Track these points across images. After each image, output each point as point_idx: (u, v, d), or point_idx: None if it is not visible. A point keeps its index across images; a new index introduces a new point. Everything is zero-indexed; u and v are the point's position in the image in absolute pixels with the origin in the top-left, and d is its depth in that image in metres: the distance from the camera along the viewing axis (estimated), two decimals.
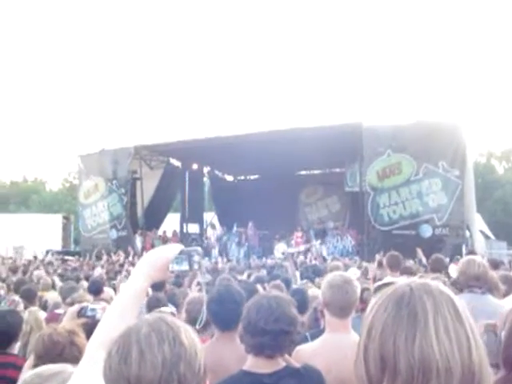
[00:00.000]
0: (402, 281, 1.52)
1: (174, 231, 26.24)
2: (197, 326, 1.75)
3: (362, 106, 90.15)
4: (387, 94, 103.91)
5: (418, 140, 18.64)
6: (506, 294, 5.31)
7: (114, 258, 18.48)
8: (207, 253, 23.61)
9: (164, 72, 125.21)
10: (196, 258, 2.23)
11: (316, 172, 30.75)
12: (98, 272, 12.74)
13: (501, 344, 2.81)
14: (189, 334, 1.58)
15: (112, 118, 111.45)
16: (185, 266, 2.22)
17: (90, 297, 5.99)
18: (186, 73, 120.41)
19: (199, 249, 2.31)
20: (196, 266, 2.24)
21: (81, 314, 3.56)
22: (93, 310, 3.49)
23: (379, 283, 5.74)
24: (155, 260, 2.14)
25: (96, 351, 1.79)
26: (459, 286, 5.01)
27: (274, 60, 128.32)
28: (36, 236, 26.51)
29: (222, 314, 3.87)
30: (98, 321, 2.09)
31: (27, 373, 2.58)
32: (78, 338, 3.14)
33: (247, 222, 25.89)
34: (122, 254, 18.43)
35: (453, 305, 1.39)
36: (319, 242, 22.51)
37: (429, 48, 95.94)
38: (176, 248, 2.21)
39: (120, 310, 1.99)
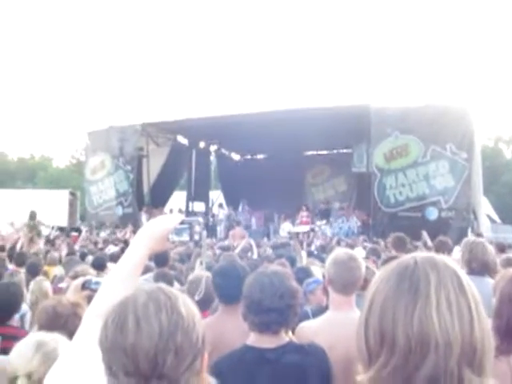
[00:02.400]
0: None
1: (180, 209, 26.23)
2: (196, 298, 1.74)
3: (371, 87, 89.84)
4: (396, 77, 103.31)
5: (426, 122, 18.54)
6: None
7: (119, 234, 18.47)
8: (213, 231, 23.64)
9: (173, 49, 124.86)
10: (197, 228, 2.20)
11: (323, 152, 30.60)
12: (110, 250, 12.61)
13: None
14: (187, 304, 1.56)
15: (119, 95, 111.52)
16: (185, 237, 2.19)
17: (93, 271, 5.99)
18: (194, 50, 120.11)
19: (200, 219, 2.28)
20: (197, 237, 2.20)
21: (85, 286, 3.55)
22: (97, 283, 3.47)
23: (386, 257, 5.74)
24: (155, 230, 2.09)
25: (93, 320, 1.78)
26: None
27: (285, 39, 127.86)
28: (43, 212, 26.52)
29: (226, 287, 3.88)
30: None
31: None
32: (81, 310, 3.14)
33: (254, 201, 25.93)
34: (127, 231, 18.43)
35: (457, 278, 1.37)
36: (324, 222, 22.49)
37: (439, 31, 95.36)
38: (177, 218, 2.17)
39: (118, 280, 1.96)
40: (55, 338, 2.52)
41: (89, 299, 3.78)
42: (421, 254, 1.46)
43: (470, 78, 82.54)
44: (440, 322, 1.29)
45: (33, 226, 16.35)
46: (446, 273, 1.37)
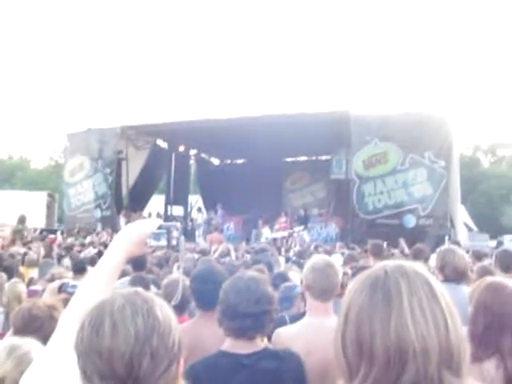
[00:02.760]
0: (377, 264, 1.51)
1: (158, 213, 26.17)
2: (172, 303, 1.73)
3: (351, 94, 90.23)
4: (376, 85, 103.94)
5: (405, 130, 18.62)
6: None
7: (95, 238, 18.35)
8: (191, 235, 23.60)
9: (153, 52, 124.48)
10: (175, 233, 2.20)
11: (302, 158, 30.76)
12: (90, 252, 12.53)
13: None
14: (164, 309, 1.56)
15: (99, 98, 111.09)
16: (163, 242, 2.18)
17: (69, 274, 5.96)
18: (175, 54, 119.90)
19: (178, 224, 2.28)
20: (174, 242, 2.20)
21: (61, 289, 3.54)
22: (73, 286, 3.46)
23: (357, 267, 5.77)
24: (133, 234, 2.10)
25: (69, 324, 1.77)
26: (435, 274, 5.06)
27: (264, 46, 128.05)
28: (20, 213, 26.33)
29: (204, 293, 3.88)
30: None
31: None
32: (57, 312, 3.12)
33: (232, 206, 25.93)
34: (104, 234, 18.33)
35: (428, 285, 1.39)
36: (302, 227, 22.52)
37: (419, 41, 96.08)
38: (155, 223, 2.18)
39: (95, 283, 1.95)
40: (28, 342, 2.50)
41: (65, 302, 3.76)
42: (391, 263, 1.47)
43: (450, 87, 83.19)
44: (416, 330, 1.30)
45: (19, 230, 16.23)
46: (416, 280, 1.39)
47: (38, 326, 3.10)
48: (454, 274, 5.02)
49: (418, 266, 1.47)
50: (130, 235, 2.10)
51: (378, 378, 1.31)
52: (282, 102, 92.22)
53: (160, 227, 2.17)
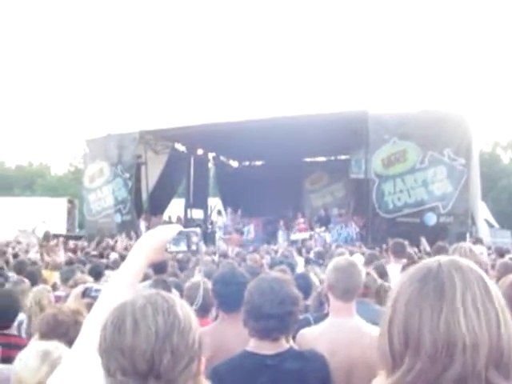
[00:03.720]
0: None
1: (178, 217, 26.26)
2: (193, 307, 1.75)
3: (369, 94, 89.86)
4: (394, 83, 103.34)
5: (423, 128, 18.54)
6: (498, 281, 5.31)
7: (112, 243, 18.35)
8: (211, 238, 23.63)
9: (171, 57, 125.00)
10: (194, 239, 2.23)
11: (321, 159, 30.73)
12: (114, 257, 12.58)
13: None
14: (184, 308, 1.60)
15: (118, 103, 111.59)
16: (183, 247, 2.22)
17: (90, 279, 5.99)
18: (193, 58, 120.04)
19: (198, 230, 2.31)
20: (194, 247, 2.24)
21: (85, 294, 3.56)
22: (97, 290, 3.47)
23: (406, 262, 5.70)
24: (153, 240, 2.15)
25: (93, 327, 1.80)
26: None
27: (283, 46, 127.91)
28: (41, 218, 26.51)
29: (226, 295, 3.88)
30: None
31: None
32: (82, 317, 3.13)
33: (252, 208, 25.96)
34: (120, 240, 18.29)
35: (483, 282, 1.37)
36: (323, 229, 22.48)
37: (437, 37, 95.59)
38: (174, 229, 2.21)
39: (117, 288, 2.01)
40: (58, 347, 2.52)
41: (89, 307, 3.78)
42: (445, 257, 1.45)
43: (468, 84, 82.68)
44: (467, 324, 1.28)
45: (43, 245, 16.38)
46: (471, 276, 1.37)
47: (64, 331, 3.11)
48: None
49: (471, 262, 1.44)
50: (151, 242, 2.15)
51: (423, 370, 1.29)
52: (299, 102, 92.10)
53: (180, 233, 2.20)
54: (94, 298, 3.59)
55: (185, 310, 1.59)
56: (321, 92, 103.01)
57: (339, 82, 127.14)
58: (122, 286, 2.01)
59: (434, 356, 1.28)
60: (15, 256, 12.05)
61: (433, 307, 1.32)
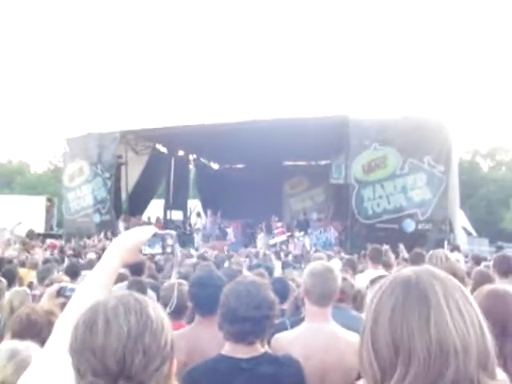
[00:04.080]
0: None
1: (158, 218, 26.18)
2: (167, 310, 1.75)
3: (350, 99, 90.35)
4: (374, 89, 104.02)
5: (404, 135, 18.67)
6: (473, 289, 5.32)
7: (89, 242, 18.28)
8: (190, 240, 23.58)
9: (153, 58, 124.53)
10: (169, 241, 2.24)
11: (302, 163, 30.80)
12: (90, 257, 12.48)
13: None
14: (157, 309, 1.59)
15: (99, 102, 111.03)
16: (157, 249, 2.23)
17: (67, 278, 5.94)
18: (174, 59, 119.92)
19: (173, 232, 2.31)
20: (169, 250, 2.24)
21: (60, 293, 3.53)
22: (72, 289, 3.45)
23: (375, 276, 5.72)
24: (127, 241, 2.16)
25: (65, 328, 1.79)
26: None
27: (263, 51, 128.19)
28: (19, 218, 26.33)
29: (203, 298, 3.85)
30: None
31: None
32: (55, 318, 3.08)
33: (231, 211, 25.95)
34: (96, 239, 18.22)
35: (460, 288, 1.39)
36: (302, 233, 22.50)
37: (418, 45, 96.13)
38: (149, 230, 2.22)
39: (91, 289, 2.00)
40: (28, 346, 2.49)
41: (63, 307, 3.75)
42: (419, 267, 1.46)
43: (448, 92, 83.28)
44: (456, 329, 1.29)
45: (25, 243, 16.20)
46: (449, 283, 1.38)
47: (37, 331, 3.08)
48: None
49: (445, 273, 1.45)
50: (125, 243, 2.16)
51: (418, 377, 1.29)
52: (281, 106, 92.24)
53: (155, 235, 2.21)
54: (69, 298, 3.56)
55: (157, 312, 1.57)
56: (302, 96, 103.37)
57: (321, 87, 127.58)
58: (95, 287, 2.00)
59: (428, 362, 1.28)
60: None
61: (420, 314, 1.32)
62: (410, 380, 1.29)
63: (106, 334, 1.46)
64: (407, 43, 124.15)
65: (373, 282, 5.10)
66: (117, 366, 1.44)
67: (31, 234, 17.26)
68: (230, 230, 24.44)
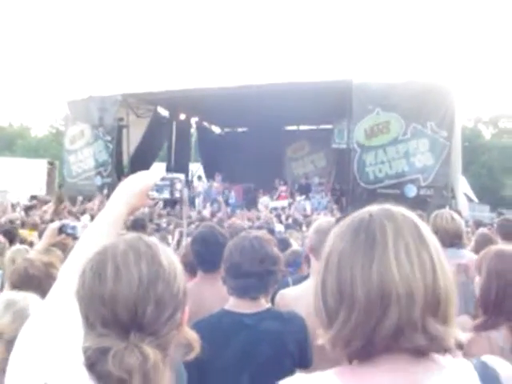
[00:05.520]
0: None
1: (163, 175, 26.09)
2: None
3: (353, 63, 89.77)
4: (379, 53, 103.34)
5: (408, 99, 18.51)
6: (476, 251, 5.28)
7: (89, 204, 18.22)
8: (191, 203, 23.57)
9: (155, 19, 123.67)
10: (178, 185, 2.15)
11: (304, 128, 30.68)
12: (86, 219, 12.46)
13: (472, 286, 2.86)
14: (168, 255, 1.52)
15: (100, 65, 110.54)
16: (166, 194, 2.13)
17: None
18: (177, 21, 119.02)
19: (182, 177, 2.23)
20: (178, 195, 2.15)
21: (61, 230, 3.52)
22: (73, 227, 3.46)
23: (340, 216, 5.69)
24: (135, 186, 2.05)
25: (69, 275, 1.73)
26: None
27: (266, 12, 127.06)
28: (20, 181, 26.34)
29: (205, 254, 3.84)
30: (78, 238, 2.02)
31: None
32: (55, 270, 3.07)
33: (233, 175, 25.89)
34: (97, 202, 18.16)
35: (417, 228, 1.34)
36: (303, 197, 22.49)
37: (424, 8, 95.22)
38: (158, 174, 2.14)
39: (95, 236, 1.90)
40: (26, 297, 2.45)
41: (63, 246, 3.74)
42: (376, 207, 1.42)
43: (452, 59, 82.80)
44: (400, 273, 1.25)
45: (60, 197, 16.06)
46: (403, 224, 1.34)
47: (36, 284, 3.04)
48: (447, 238, 4.90)
49: (406, 210, 1.41)
50: (133, 187, 2.05)
51: (358, 323, 1.27)
52: (284, 70, 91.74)
53: (163, 179, 2.13)
54: (70, 235, 3.57)
55: (169, 258, 1.51)
56: (306, 60, 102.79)
57: (325, 51, 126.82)
58: (101, 234, 1.90)
59: (369, 308, 1.26)
60: None
61: (364, 259, 1.29)
62: (350, 327, 1.28)
63: (115, 281, 1.40)
64: (413, 5, 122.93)
65: (338, 220, 5.04)
66: (128, 316, 1.38)
67: (61, 197, 17.11)
68: (232, 194, 24.40)
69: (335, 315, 1.31)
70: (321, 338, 1.37)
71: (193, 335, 1.57)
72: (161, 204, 10.69)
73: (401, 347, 1.26)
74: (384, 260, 1.27)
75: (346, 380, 1.29)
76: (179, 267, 1.54)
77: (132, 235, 1.55)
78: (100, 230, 1.93)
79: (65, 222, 3.53)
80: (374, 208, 1.42)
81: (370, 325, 1.26)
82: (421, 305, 1.24)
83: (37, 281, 3.10)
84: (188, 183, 27.93)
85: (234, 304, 2.98)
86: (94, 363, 1.35)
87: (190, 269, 4.05)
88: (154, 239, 1.56)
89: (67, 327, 1.55)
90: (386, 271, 1.25)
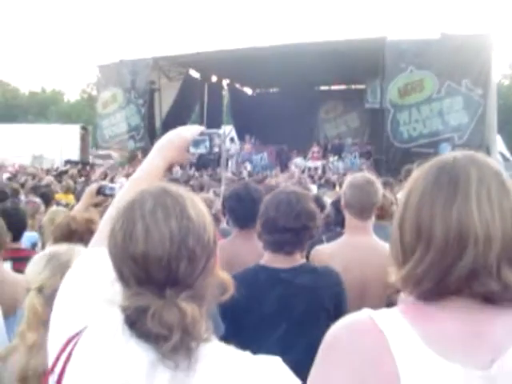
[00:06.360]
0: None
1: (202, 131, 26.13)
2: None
3: (386, 20, 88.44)
4: (412, 8, 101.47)
5: (442, 57, 18.19)
6: None
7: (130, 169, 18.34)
8: (224, 165, 23.61)
9: None
10: (217, 140, 2.15)
11: (336, 88, 30.44)
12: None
13: None
14: (196, 206, 1.50)
15: (131, 29, 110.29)
16: (202, 149, 2.14)
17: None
18: None
19: (221, 131, 2.23)
20: (216, 149, 2.16)
21: (100, 191, 3.58)
22: (112, 188, 3.52)
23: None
24: (174, 140, 2.05)
25: (106, 227, 1.74)
26: None
27: None
28: (54, 146, 26.57)
29: (240, 211, 3.82)
30: None
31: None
32: (95, 226, 3.10)
33: (265, 136, 25.80)
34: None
35: (499, 177, 1.32)
36: (336, 158, 22.41)
37: None
38: (197, 129, 2.12)
39: (133, 188, 1.85)
40: (70, 250, 2.46)
41: (102, 205, 3.80)
42: (460, 152, 1.40)
43: (489, 11, 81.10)
44: (480, 216, 1.24)
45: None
46: (487, 170, 1.32)
47: (78, 239, 3.08)
48: None
49: (489, 158, 1.39)
50: (172, 141, 2.05)
51: (433, 262, 1.27)
52: (316, 29, 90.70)
53: (201, 134, 2.13)
54: (108, 196, 3.62)
55: (197, 209, 1.49)
56: (338, 18, 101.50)
57: (357, 7, 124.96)
58: (141, 185, 1.79)
59: (445, 247, 1.26)
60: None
61: (445, 200, 1.29)
62: (425, 266, 1.28)
63: (146, 242, 1.39)
64: None
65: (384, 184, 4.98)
66: (162, 274, 1.39)
67: (134, 155, 17.18)
68: (264, 156, 24.37)
69: (411, 253, 1.32)
70: (393, 275, 1.38)
71: (225, 276, 1.57)
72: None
73: (472, 291, 1.26)
74: (465, 203, 1.26)
75: (415, 321, 1.28)
76: (208, 216, 1.52)
77: (157, 187, 1.52)
78: (139, 182, 1.93)
79: (103, 183, 3.58)
80: (458, 153, 1.41)
81: (444, 265, 1.26)
82: (498, 250, 1.23)
83: (79, 235, 3.14)
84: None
85: (269, 259, 2.98)
86: (134, 322, 1.36)
87: None
88: (179, 189, 1.54)
89: (107, 280, 1.56)
90: (467, 213, 1.25)
